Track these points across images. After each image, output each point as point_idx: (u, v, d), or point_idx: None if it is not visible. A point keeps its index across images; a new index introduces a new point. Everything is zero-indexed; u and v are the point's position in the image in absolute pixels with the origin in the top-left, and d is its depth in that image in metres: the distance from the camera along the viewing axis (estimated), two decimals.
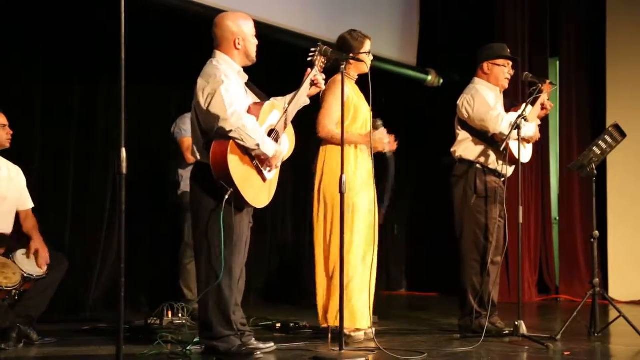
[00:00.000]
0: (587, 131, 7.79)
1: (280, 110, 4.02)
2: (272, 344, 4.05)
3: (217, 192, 3.76)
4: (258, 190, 3.90)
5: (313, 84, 4.11)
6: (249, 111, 3.86)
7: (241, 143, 3.74)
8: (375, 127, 4.60)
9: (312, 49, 4.14)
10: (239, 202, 3.82)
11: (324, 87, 4.21)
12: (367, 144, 4.55)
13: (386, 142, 4.64)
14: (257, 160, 3.86)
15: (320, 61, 4.12)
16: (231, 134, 3.71)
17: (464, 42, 7.85)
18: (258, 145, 3.77)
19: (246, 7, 6.13)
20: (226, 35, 3.92)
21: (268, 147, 3.84)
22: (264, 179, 3.93)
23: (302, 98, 4.08)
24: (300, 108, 4.18)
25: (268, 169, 3.93)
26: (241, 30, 3.94)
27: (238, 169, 3.76)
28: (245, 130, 3.72)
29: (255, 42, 4.01)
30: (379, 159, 4.69)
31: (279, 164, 4.02)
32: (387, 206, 4.63)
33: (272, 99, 4.05)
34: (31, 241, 4.51)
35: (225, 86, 3.74)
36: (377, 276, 4.63)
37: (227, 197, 3.72)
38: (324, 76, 4.17)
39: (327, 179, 4.56)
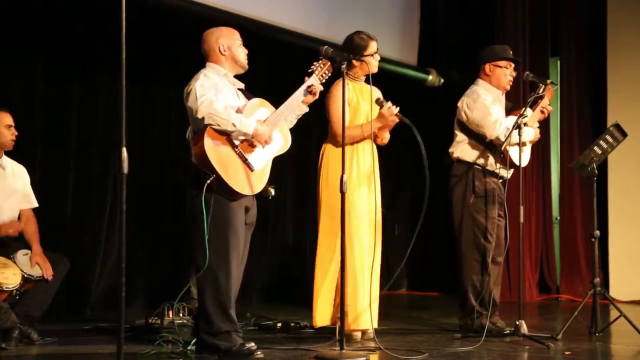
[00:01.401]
0: (588, 131, 7.79)
1: (270, 109, 4.03)
2: (252, 344, 3.91)
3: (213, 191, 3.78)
4: (245, 177, 3.89)
5: (310, 92, 4.10)
6: (237, 111, 3.88)
7: (217, 128, 3.76)
8: (380, 105, 4.56)
9: (315, 62, 4.15)
10: (223, 188, 3.80)
11: (317, 96, 4.18)
12: (369, 137, 4.55)
13: (396, 112, 4.58)
14: (240, 147, 3.85)
15: (321, 71, 4.12)
16: (205, 122, 3.75)
17: (465, 41, 7.86)
18: (234, 124, 3.77)
19: (247, 7, 6.15)
20: (212, 46, 4.04)
21: (246, 125, 3.83)
22: (251, 169, 3.91)
23: (296, 102, 4.08)
24: (300, 116, 4.20)
25: (258, 147, 3.90)
26: (225, 40, 4.04)
27: (216, 153, 3.77)
28: (218, 114, 3.75)
29: (244, 49, 4.08)
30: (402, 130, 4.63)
31: (269, 141, 3.94)
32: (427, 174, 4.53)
33: (261, 99, 4.06)
34: (31, 253, 4.50)
35: (201, 82, 3.84)
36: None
37: (208, 182, 3.74)
38: (321, 88, 4.15)
39: (325, 179, 4.58)
